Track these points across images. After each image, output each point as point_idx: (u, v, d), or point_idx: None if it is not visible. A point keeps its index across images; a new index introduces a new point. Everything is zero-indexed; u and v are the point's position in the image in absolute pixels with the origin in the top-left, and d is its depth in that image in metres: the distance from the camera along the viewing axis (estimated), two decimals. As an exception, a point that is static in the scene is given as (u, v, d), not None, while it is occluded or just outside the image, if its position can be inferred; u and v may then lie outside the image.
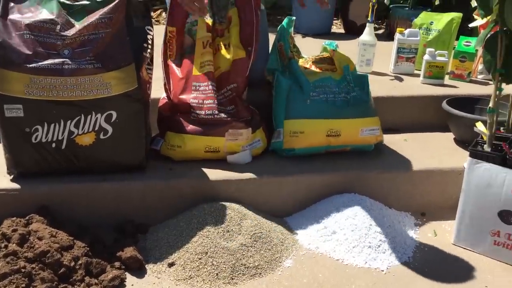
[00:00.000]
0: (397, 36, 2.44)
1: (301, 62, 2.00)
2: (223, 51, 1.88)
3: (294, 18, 2.03)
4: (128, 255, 1.49)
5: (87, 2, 1.56)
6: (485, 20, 1.59)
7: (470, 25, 1.77)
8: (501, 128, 1.76)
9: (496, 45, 1.57)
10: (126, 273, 1.49)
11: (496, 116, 1.67)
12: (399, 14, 3.15)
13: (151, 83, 1.70)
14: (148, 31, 1.62)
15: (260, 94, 2.02)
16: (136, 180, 1.68)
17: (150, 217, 1.69)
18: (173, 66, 1.84)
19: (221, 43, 1.89)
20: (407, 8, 3.21)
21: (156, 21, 3.34)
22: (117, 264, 1.48)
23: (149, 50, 1.63)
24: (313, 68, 1.98)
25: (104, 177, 1.66)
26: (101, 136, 1.59)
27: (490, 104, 1.64)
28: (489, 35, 1.59)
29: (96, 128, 1.57)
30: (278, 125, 1.86)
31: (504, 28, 1.53)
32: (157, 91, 1.91)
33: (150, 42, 1.63)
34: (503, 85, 1.64)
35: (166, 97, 1.86)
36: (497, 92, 1.63)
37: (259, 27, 1.88)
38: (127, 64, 1.54)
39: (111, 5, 1.52)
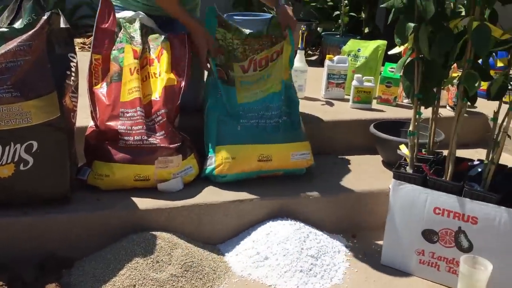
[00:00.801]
0: (327, 62, 2.52)
1: (238, 65, 2.00)
2: (153, 79, 1.87)
3: (214, 7, 2.01)
4: (49, 292, 1.42)
5: (6, 30, 1.51)
6: (402, 48, 1.67)
7: (389, 52, 1.86)
8: (423, 150, 1.83)
9: (413, 71, 1.65)
10: (48, 311, 1.41)
11: (417, 138, 1.75)
12: (330, 41, 3.26)
13: (76, 111, 1.65)
14: (71, 58, 1.58)
15: (193, 120, 2.01)
16: (60, 212, 1.62)
17: (76, 250, 1.62)
18: (99, 93, 1.80)
19: (151, 71, 1.88)
20: (338, 36, 3.33)
21: (89, 47, 3.28)
22: (38, 302, 1.41)
23: (73, 78, 1.59)
24: (251, 70, 2.00)
25: (25, 210, 1.59)
26: (21, 167, 1.52)
27: (410, 128, 1.71)
28: (406, 62, 1.67)
29: (16, 159, 1.51)
30: (209, 151, 1.85)
31: (420, 55, 1.61)
32: (85, 119, 1.86)
33: (74, 69, 1.59)
34: (423, 109, 1.72)
35: (94, 125, 1.81)
36: (417, 116, 1.71)
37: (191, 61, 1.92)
38: (48, 92, 1.50)
39: (30, 32, 1.47)
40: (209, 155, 1.85)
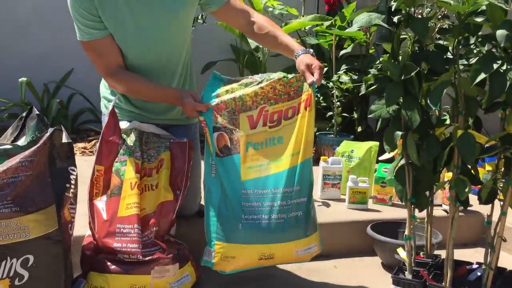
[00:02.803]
0: (322, 164, 2.57)
1: (242, 132, 1.78)
2: (150, 192, 1.88)
3: (216, 72, 1.88)
4: None
5: (9, 147, 1.56)
6: (392, 154, 1.73)
7: (380, 158, 1.91)
8: (421, 253, 1.82)
9: (404, 176, 1.69)
10: None
11: (414, 242, 1.75)
12: (325, 141, 3.36)
13: (73, 222, 1.66)
14: (71, 171, 1.62)
15: (191, 226, 2.02)
16: (53, 328, 1.57)
17: None
18: (98, 207, 1.81)
19: (149, 183, 1.89)
20: (331, 135, 3.43)
21: (90, 151, 3.36)
22: None
23: (72, 190, 1.62)
24: (260, 124, 1.78)
25: (18, 327, 1.54)
26: (16, 283, 1.50)
27: (406, 232, 1.72)
28: (398, 167, 1.72)
29: (11, 274, 1.49)
30: (209, 244, 1.78)
31: (410, 161, 1.67)
32: (83, 228, 1.86)
33: (73, 181, 1.63)
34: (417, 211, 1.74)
35: (91, 235, 1.82)
36: (412, 219, 1.72)
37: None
38: (47, 206, 1.52)
39: (33, 148, 1.53)
40: (208, 248, 1.78)
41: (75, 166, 1.65)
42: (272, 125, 1.80)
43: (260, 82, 1.81)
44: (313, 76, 1.77)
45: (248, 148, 1.77)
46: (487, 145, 1.55)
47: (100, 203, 1.82)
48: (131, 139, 1.96)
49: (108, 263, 1.71)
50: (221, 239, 1.77)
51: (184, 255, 1.84)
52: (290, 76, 1.81)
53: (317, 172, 2.66)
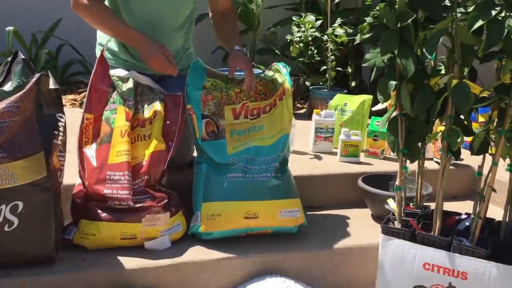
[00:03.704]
0: (314, 117, 2.56)
1: (230, 107, 1.96)
2: (142, 142, 1.86)
3: (199, 59, 1.98)
4: None
5: (-5, 92, 1.53)
6: (386, 104, 1.71)
7: (373, 108, 1.90)
8: (411, 204, 1.84)
9: (397, 127, 1.68)
10: None
11: (404, 193, 1.76)
12: (318, 95, 3.33)
13: (63, 170, 1.65)
14: (59, 118, 1.59)
15: (182, 177, 2.01)
16: (44, 273, 1.58)
17: (60, 312, 1.58)
18: (88, 154, 1.80)
19: (141, 134, 1.88)
20: (325, 90, 3.40)
21: (80, 103, 3.32)
22: None
23: (60, 137, 1.60)
24: (242, 116, 1.96)
25: (9, 272, 1.55)
26: (6, 229, 1.50)
27: (397, 182, 1.72)
28: (390, 118, 1.70)
29: (0, 220, 1.49)
30: (196, 208, 1.84)
31: (403, 111, 1.65)
32: (73, 177, 1.85)
33: (61, 129, 1.60)
34: (409, 163, 1.74)
35: (81, 184, 1.81)
36: (403, 170, 1.72)
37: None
38: (35, 153, 1.50)
39: (19, 94, 1.49)
40: (195, 213, 1.84)
41: (63, 113, 1.63)
42: (253, 118, 1.99)
43: (241, 81, 1.98)
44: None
45: (233, 134, 1.93)
46: (481, 95, 1.53)
47: (90, 151, 1.80)
48: (126, 87, 1.93)
49: (99, 211, 1.71)
50: (207, 199, 1.82)
51: (175, 204, 1.84)
52: (268, 78, 2.04)
53: (310, 126, 2.65)
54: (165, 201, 1.77)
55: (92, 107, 1.85)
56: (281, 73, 2.07)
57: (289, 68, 2.12)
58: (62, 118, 1.61)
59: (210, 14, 2.19)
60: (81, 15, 1.94)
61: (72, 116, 2.34)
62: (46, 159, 1.53)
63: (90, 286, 1.62)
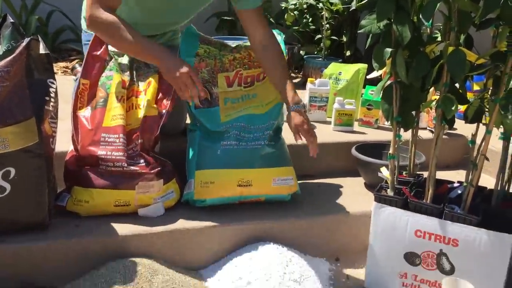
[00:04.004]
0: (309, 86, 2.54)
1: (223, 75, 1.92)
2: (136, 110, 1.85)
3: (192, 26, 1.93)
4: (25, 322, 1.38)
5: (-17, 57, 1.50)
6: (380, 72, 1.69)
7: (368, 76, 1.88)
8: (404, 173, 1.85)
9: (392, 94, 1.67)
10: None
11: (398, 161, 1.76)
12: (312, 64, 3.30)
13: (55, 136, 1.64)
14: (50, 84, 1.57)
15: (176, 144, 2.01)
16: (38, 239, 1.58)
17: (55, 278, 1.58)
18: (82, 118, 1.79)
19: (136, 103, 1.87)
20: (319, 59, 3.37)
21: (72, 68, 3.27)
22: (13, 332, 1.37)
23: (52, 103, 1.58)
24: (235, 84, 1.93)
25: (2, 238, 1.55)
26: (-2, 195, 1.49)
27: (390, 151, 1.72)
28: (385, 86, 1.69)
29: (-8, 186, 1.48)
30: (190, 176, 1.84)
31: (398, 79, 1.64)
32: (65, 144, 1.84)
33: (53, 95, 1.58)
34: (403, 132, 1.74)
35: (73, 149, 1.80)
36: (396, 139, 1.72)
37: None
38: (26, 118, 1.48)
39: (8, 59, 1.46)
40: (189, 180, 1.84)
41: (54, 79, 1.60)
42: (246, 86, 1.96)
43: (235, 48, 1.96)
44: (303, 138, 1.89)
45: (226, 102, 1.91)
46: (477, 63, 1.52)
47: (84, 114, 1.79)
48: (122, 60, 1.92)
49: (92, 178, 1.71)
50: (200, 167, 1.82)
51: (168, 171, 1.83)
52: None
53: (304, 95, 2.63)
54: (158, 168, 1.77)
55: (88, 72, 1.84)
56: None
57: (284, 36, 2.09)
58: (53, 84, 1.59)
59: (250, 43, 1.98)
60: (96, 32, 1.79)
61: (64, 84, 2.33)
62: (38, 126, 1.52)
63: (84, 252, 1.62)
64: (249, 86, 1.97)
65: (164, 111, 1.86)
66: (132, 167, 1.71)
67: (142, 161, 1.75)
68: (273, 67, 1.93)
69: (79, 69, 2.18)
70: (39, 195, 1.56)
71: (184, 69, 1.71)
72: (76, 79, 1.87)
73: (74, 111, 1.80)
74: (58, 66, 3.27)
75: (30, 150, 1.50)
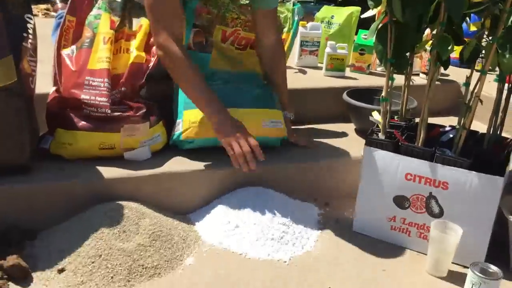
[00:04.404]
0: (300, 29, 2.46)
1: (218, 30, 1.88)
2: (124, 54, 1.79)
3: None
4: (10, 263, 1.36)
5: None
6: (375, 11, 1.63)
7: (362, 16, 1.82)
8: (395, 117, 1.82)
9: (386, 35, 1.61)
10: (10, 283, 1.36)
11: (390, 105, 1.73)
12: (304, 8, 3.19)
13: (34, 76, 1.57)
14: (27, 19, 1.49)
15: (162, 88, 1.94)
16: (21, 182, 1.55)
17: (39, 222, 1.56)
18: (66, 57, 1.72)
19: (125, 47, 1.81)
20: (312, 3, 3.27)
21: (54, 13, 3.14)
22: (-2, 274, 1.35)
23: (30, 40, 1.50)
24: (229, 42, 1.89)
25: (-16, 181, 1.52)
26: (-22, 137, 1.44)
27: (383, 93, 1.68)
28: (379, 26, 1.63)
29: (-29, 127, 1.42)
30: (177, 117, 1.79)
31: (393, 19, 1.57)
32: (47, 86, 1.77)
33: (31, 31, 1.50)
34: (396, 77, 1.69)
35: (55, 91, 1.73)
36: (389, 81, 1.68)
37: None
38: (3, 56, 1.41)
39: (-19, -8, 1.38)
40: (177, 120, 1.79)
41: (32, 14, 1.52)
42: (239, 48, 1.92)
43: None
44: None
45: (218, 54, 1.88)
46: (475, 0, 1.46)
47: (68, 54, 1.72)
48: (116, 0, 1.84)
49: (76, 120, 1.66)
50: (188, 107, 1.76)
51: (154, 114, 1.78)
52: (278, 12, 2.00)
53: (295, 40, 2.56)
54: (143, 110, 1.71)
55: (76, 9, 1.77)
56: (291, 19, 2.04)
57: (302, 16, 2.03)
58: (31, 19, 1.51)
59: (259, 45, 1.96)
60: (163, 62, 1.71)
61: (45, 26, 2.22)
62: (16, 63, 1.45)
63: (70, 195, 1.59)
64: (241, 49, 1.92)
65: (152, 59, 1.79)
66: (115, 113, 1.66)
67: (125, 107, 1.70)
68: (275, 71, 1.98)
69: (59, 4, 2.10)
70: (19, 135, 1.50)
71: (237, 135, 1.65)
72: (57, 16, 1.79)
73: (58, 49, 1.73)
74: (39, 8, 3.14)
75: (9, 89, 1.44)
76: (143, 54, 1.79)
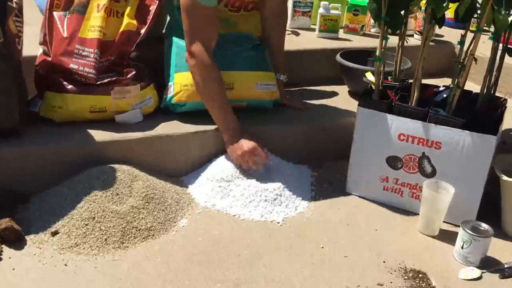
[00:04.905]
0: (293, -11, 2.41)
1: None
2: (114, 18, 1.73)
3: None
4: (3, 226, 1.36)
5: None
6: (369, -32, 1.59)
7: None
8: (389, 78, 1.80)
9: (380, -7, 1.58)
10: (3, 246, 1.36)
11: (384, 65, 1.71)
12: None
13: (21, 37, 1.53)
14: (11, -22, 1.44)
15: (154, 50, 1.91)
16: (12, 146, 1.53)
17: (32, 185, 1.55)
18: (57, 20, 1.67)
19: (115, 9, 1.74)
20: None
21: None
22: (-9, 237, 1.35)
23: (15, 0, 1.46)
24: (222, 4, 1.82)
25: (-27, 145, 1.50)
26: (-36, 98, 1.41)
27: (377, 53, 1.66)
28: (374, -17, 1.59)
29: (-43, 89, 1.40)
30: (169, 80, 1.76)
31: (388, -24, 1.54)
32: (34, 48, 1.74)
33: (15, -10, 1.46)
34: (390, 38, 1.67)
35: (43, 53, 1.69)
36: (383, 41, 1.65)
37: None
38: (-13, 15, 1.37)
39: None
40: (168, 84, 1.76)
41: (16, -28, 1.47)
42: (232, 10, 1.84)
43: None
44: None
45: None
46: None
47: (60, 17, 1.67)
48: None
49: (65, 83, 1.63)
50: (179, 69, 1.74)
51: (145, 76, 1.76)
52: None
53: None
54: (133, 73, 1.68)
55: None
56: None
57: None
58: (15, -23, 1.46)
59: (261, 7, 1.91)
60: (190, 69, 1.68)
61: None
62: (1, 24, 1.41)
63: (61, 159, 1.58)
64: (235, 12, 1.87)
65: (144, 27, 1.75)
66: (100, 82, 1.64)
67: (114, 73, 1.68)
68: (278, 30, 1.95)
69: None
70: (8, 98, 1.48)
71: (246, 149, 1.65)
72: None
73: (50, 8, 1.68)
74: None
75: (-5, 50, 1.41)
76: (134, 22, 1.74)
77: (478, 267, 1.40)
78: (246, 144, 1.65)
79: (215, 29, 1.69)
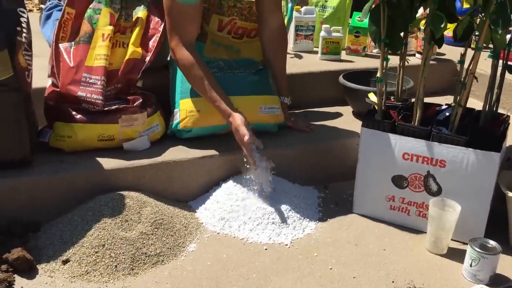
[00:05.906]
0: (294, 14, 2.46)
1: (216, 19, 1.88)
2: (120, 49, 1.78)
3: None
4: (15, 256, 1.38)
5: None
6: (368, -8, 1.62)
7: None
8: (392, 98, 1.82)
9: (379, 15, 1.61)
10: (15, 275, 1.38)
11: (385, 85, 1.73)
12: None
13: (30, 70, 1.57)
14: (21, 13, 1.49)
15: (159, 79, 1.95)
16: (22, 176, 1.56)
17: (43, 214, 1.57)
18: (63, 51, 1.72)
19: (121, 40, 1.80)
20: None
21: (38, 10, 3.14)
22: (3, 267, 1.37)
23: (24, 34, 1.50)
24: (225, 31, 1.89)
25: (-15, 176, 1.53)
26: (-24, 129, 1.45)
27: (378, 74, 1.69)
28: (372, 7, 1.63)
29: (-31, 122, 1.43)
30: (174, 106, 1.80)
31: (386, -1, 1.57)
32: (43, 80, 1.78)
33: (24, 25, 1.51)
34: (392, 58, 1.69)
35: (52, 84, 1.74)
36: (384, 62, 1.68)
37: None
38: (-2, 50, 1.42)
39: (-27, -14, 1.38)
40: (174, 110, 1.79)
41: (25, 8, 1.52)
42: (235, 37, 1.91)
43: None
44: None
45: (212, 43, 1.87)
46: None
47: (66, 48, 1.72)
48: None
49: (73, 113, 1.67)
50: (184, 96, 1.77)
51: (152, 104, 1.80)
52: None
53: (290, 24, 2.55)
54: (140, 100, 1.72)
55: (75, 2, 1.76)
56: (285, 6, 2.02)
57: (296, 2, 2.00)
58: (24, 13, 1.51)
59: (261, 30, 1.95)
60: (178, 66, 1.76)
61: (37, 22, 2.22)
62: (11, 58, 1.45)
63: (70, 187, 1.61)
64: (238, 38, 1.92)
65: (148, 55, 1.79)
66: (108, 108, 1.67)
67: (121, 101, 1.72)
68: (279, 54, 1.97)
69: (48, -4, 2.08)
70: (18, 130, 1.52)
71: (237, 121, 1.66)
72: (45, 7, 1.79)
73: (56, 41, 1.73)
74: (33, 3, 3.13)
75: (5, 84, 1.45)
76: (139, 49, 1.78)
77: (488, 285, 1.40)
78: (233, 124, 1.66)
79: (197, 27, 1.74)
